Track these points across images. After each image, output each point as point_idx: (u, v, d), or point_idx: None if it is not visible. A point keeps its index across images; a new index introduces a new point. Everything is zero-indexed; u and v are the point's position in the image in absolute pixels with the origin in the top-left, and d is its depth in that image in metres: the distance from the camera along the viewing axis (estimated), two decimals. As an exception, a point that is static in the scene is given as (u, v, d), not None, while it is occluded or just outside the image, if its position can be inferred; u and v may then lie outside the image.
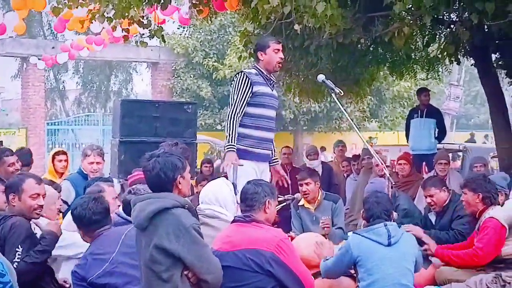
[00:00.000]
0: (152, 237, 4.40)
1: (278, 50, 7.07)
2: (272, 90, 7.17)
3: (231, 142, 6.86)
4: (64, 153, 9.12)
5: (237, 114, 6.92)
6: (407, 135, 12.29)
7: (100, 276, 4.99)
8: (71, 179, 8.23)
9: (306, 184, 7.85)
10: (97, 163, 8.27)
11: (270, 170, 7.34)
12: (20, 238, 5.29)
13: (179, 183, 4.57)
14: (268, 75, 7.13)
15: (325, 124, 25.70)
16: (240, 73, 7.06)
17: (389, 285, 5.39)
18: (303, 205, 7.95)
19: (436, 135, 11.89)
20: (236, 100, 6.93)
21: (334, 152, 13.51)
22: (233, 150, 6.84)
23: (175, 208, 4.43)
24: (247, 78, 6.95)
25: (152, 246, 4.38)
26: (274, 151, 7.47)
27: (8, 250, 5.20)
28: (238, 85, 6.95)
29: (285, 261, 4.88)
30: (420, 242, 6.78)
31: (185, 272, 4.42)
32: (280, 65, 7.24)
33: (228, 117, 6.97)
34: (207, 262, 4.45)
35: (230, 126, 6.90)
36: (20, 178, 5.61)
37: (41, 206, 5.62)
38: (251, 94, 6.93)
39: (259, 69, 7.10)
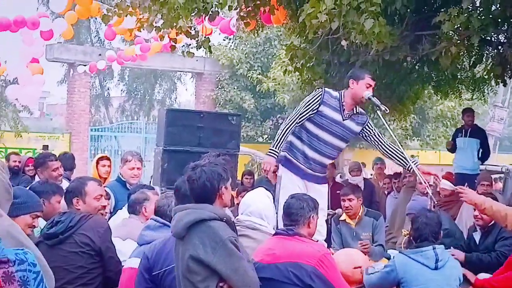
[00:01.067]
0: (188, 247, 4.40)
1: (370, 85, 6.90)
2: (344, 120, 6.94)
3: (275, 147, 6.76)
4: (108, 158, 9.24)
5: (293, 122, 6.80)
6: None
7: (162, 275, 4.95)
8: (110, 186, 8.16)
9: (349, 200, 7.82)
10: (137, 168, 8.19)
11: (418, 171, 6.90)
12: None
13: (223, 194, 4.56)
14: (347, 106, 6.92)
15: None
16: (320, 89, 6.96)
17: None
18: (344, 220, 7.93)
19: (480, 155, 11.82)
20: (298, 110, 6.86)
21: (373, 169, 13.46)
22: (273, 156, 6.76)
23: (213, 221, 4.41)
24: (321, 96, 6.83)
25: (188, 256, 4.39)
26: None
27: (111, 253, 5.46)
28: (309, 98, 6.89)
29: (326, 276, 4.88)
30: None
31: (221, 284, 4.38)
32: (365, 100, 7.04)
33: (283, 123, 6.91)
34: (243, 275, 4.40)
35: (281, 131, 6.80)
36: (81, 182, 5.70)
37: (105, 207, 5.87)
38: (315, 111, 6.81)
39: (342, 95, 6.95)
